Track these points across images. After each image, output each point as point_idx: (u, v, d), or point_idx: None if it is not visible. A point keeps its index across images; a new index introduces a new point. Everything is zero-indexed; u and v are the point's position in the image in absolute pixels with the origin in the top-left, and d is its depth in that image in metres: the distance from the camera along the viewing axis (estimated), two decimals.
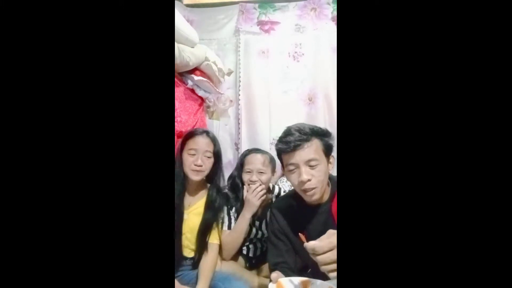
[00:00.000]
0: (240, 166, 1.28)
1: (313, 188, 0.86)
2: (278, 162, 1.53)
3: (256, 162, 1.22)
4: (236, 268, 1.19)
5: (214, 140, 1.11)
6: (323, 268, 0.59)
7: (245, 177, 1.22)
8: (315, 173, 0.85)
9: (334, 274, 0.59)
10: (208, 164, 1.08)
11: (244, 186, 1.21)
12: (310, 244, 0.60)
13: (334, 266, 0.58)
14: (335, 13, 1.95)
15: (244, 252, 1.33)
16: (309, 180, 0.84)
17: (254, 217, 1.25)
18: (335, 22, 1.94)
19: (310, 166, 0.85)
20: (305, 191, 0.87)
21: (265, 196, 1.18)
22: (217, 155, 1.12)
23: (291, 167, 0.87)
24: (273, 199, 1.31)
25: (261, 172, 1.21)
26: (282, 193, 1.36)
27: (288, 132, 0.88)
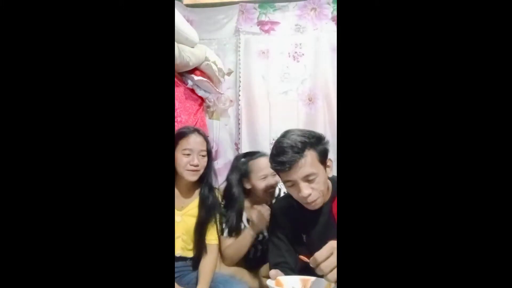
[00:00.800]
0: (245, 173, 1.21)
1: (314, 200, 0.85)
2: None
3: (267, 165, 1.12)
4: (237, 269, 1.19)
5: (206, 138, 1.10)
6: (328, 278, 0.58)
7: (261, 184, 1.17)
8: (315, 186, 0.84)
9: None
10: (203, 163, 1.07)
11: (253, 207, 1.15)
12: (312, 259, 0.59)
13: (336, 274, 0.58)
14: (335, 13, 1.95)
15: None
16: (309, 194, 0.83)
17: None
18: (335, 22, 1.94)
19: (308, 180, 0.83)
20: (306, 203, 0.86)
21: (268, 218, 1.12)
22: (209, 154, 1.10)
23: (289, 184, 0.86)
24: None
25: (274, 174, 1.15)
26: (281, 194, 1.35)
27: (280, 150, 0.83)
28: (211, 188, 1.12)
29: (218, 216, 1.12)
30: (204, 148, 1.07)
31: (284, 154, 0.82)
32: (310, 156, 0.83)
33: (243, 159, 1.26)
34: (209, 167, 1.11)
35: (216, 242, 1.10)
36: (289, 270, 0.92)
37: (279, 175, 0.91)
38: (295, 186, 0.85)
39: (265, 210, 1.12)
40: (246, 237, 1.15)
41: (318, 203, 0.87)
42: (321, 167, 0.86)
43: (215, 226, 1.11)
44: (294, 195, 0.87)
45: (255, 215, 1.12)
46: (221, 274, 1.08)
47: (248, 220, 1.18)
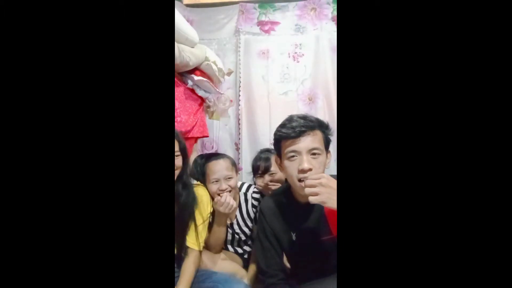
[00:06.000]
0: (202, 175, 1.21)
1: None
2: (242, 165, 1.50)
3: (221, 169, 1.17)
4: (237, 268, 1.19)
5: (177, 139, 1.07)
6: (307, 191, 0.69)
7: (213, 187, 1.16)
8: (316, 164, 0.82)
9: (316, 197, 0.69)
10: (178, 163, 1.06)
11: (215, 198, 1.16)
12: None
13: (317, 189, 0.69)
14: (335, 13, 1.95)
15: (237, 247, 1.34)
16: (310, 169, 0.81)
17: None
18: (335, 22, 1.94)
19: (313, 154, 0.82)
20: (302, 180, 0.82)
21: (234, 203, 1.14)
22: (183, 152, 1.08)
23: (292, 154, 0.83)
24: (241, 196, 1.30)
25: (229, 178, 1.17)
26: (252, 189, 1.32)
27: (291, 119, 0.86)
28: (185, 186, 1.10)
29: (196, 218, 1.11)
30: (177, 148, 1.05)
31: (294, 121, 0.85)
32: (319, 134, 0.86)
33: (200, 161, 1.25)
34: (184, 166, 1.09)
35: (196, 248, 1.08)
36: (279, 271, 0.92)
37: (278, 149, 0.89)
38: (297, 158, 0.83)
39: (227, 199, 1.11)
40: (219, 232, 1.19)
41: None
42: (324, 151, 0.86)
43: (194, 230, 1.09)
44: (291, 171, 0.84)
45: (218, 205, 1.12)
46: (221, 274, 1.07)
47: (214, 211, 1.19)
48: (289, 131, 0.83)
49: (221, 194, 1.14)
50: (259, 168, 1.33)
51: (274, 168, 1.30)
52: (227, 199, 1.11)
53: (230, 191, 1.16)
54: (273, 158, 1.30)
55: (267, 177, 1.31)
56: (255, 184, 1.37)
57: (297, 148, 0.82)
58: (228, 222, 1.28)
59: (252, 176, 1.41)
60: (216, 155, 1.26)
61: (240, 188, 1.32)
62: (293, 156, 0.83)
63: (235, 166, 1.27)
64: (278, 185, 1.26)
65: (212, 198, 1.17)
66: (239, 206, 1.28)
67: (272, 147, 0.95)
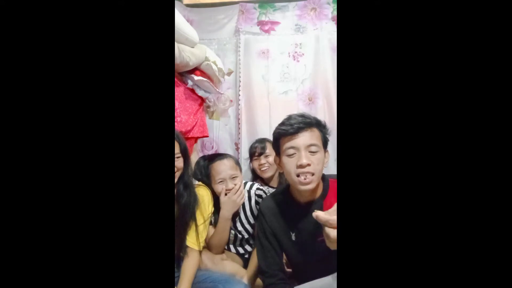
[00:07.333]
0: (207, 176, 1.23)
1: (309, 179, 0.84)
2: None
3: (225, 169, 1.19)
4: (238, 269, 1.19)
5: (177, 141, 1.08)
6: (330, 244, 0.58)
7: (218, 188, 1.18)
8: (314, 160, 0.84)
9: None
10: (179, 164, 1.06)
11: (221, 194, 1.18)
12: (322, 216, 0.58)
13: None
14: (335, 13, 1.95)
15: (238, 247, 1.34)
16: (308, 164, 0.82)
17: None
18: (335, 22, 1.95)
19: (311, 151, 0.84)
20: (301, 176, 0.84)
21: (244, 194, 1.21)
22: (184, 154, 1.08)
23: (291, 151, 0.85)
24: (245, 194, 1.30)
25: (234, 177, 1.20)
26: (255, 187, 1.33)
27: (289, 118, 0.89)
28: (187, 186, 1.10)
29: (197, 218, 1.11)
30: (177, 150, 1.06)
31: (293, 119, 0.87)
32: (317, 132, 0.88)
33: (202, 163, 1.28)
34: (185, 167, 1.09)
35: (196, 248, 1.08)
36: (278, 271, 0.92)
37: (277, 147, 0.90)
38: (296, 155, 0.85)
39: (241, 188, 1.18)
40: (224, 224, 1.19)
41: (312, 183, 0.85)
42: (322, 148, 0.88)
43: (194, 230, 1.10)
44: (290, 168, 0.85)
45: (231, 194, 1.16)
46: (221, 274, 1.08)
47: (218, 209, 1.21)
48: (287, 128, 0.86)
49: (236, 183, 1.19)
50: (256, 151, 1.44)
51: (269, 150, 1.45)
52: (242, 188, 1.17)
53: (239, 186, 1.21)
54: (268, 143, 1.47)
55: (262, 159, 1.43)
56: (253, 174, 1.46)
57: (295, 144, 0.84)
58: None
59: (250, 169, 1.55)
60: (219, 156, 1.28)
61: (244, 186, 1.34)
62: (292, 154, 0.85)
63: (239, 165, 1.29)
64: (268, 167, 1.42)
65: (215, 198, 1.19)
66: (242, 203, 1.29)
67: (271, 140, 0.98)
